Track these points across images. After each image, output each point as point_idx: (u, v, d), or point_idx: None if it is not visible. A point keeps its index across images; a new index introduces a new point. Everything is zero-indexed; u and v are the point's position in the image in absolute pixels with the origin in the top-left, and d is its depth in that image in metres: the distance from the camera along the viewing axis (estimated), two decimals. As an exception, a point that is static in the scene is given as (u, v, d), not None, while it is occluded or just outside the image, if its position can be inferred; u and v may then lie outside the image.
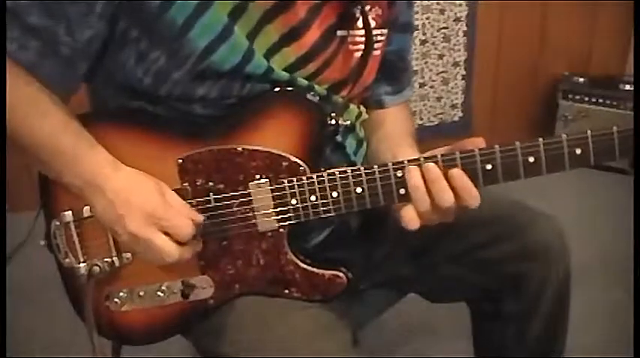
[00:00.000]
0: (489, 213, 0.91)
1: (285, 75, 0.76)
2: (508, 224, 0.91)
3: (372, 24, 0.83)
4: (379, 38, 0.85)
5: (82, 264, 0.78)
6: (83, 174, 0.71)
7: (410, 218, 0.73)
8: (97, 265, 0.78)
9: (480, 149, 0.72)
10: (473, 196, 0.71)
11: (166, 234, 0.72)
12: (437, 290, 0.99)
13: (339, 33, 0.79)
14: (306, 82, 0.78)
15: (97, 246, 0.78)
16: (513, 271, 0.90)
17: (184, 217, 0.72)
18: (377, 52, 0.86)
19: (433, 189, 0.71)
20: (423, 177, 0.72)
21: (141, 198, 0.71)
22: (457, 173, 0.71)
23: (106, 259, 0.78)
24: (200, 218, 0.75)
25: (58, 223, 0.78)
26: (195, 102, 0.75)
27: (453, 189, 0.71)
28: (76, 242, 0.78)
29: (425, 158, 0.73)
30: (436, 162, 0.72)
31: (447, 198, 0.71)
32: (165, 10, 0.69)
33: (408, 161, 0.73)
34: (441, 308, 1.06)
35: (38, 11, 0.67)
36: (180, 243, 0.72)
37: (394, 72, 0.96)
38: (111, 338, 0.89)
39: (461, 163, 0.72)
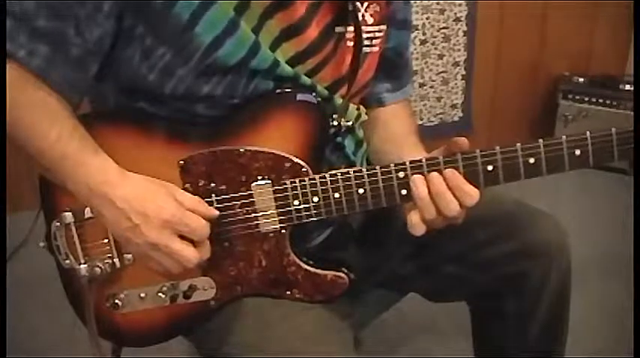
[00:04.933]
0: (490, 213, 0.91)
1: (290, 70, 0.76)
2: (509, 223, 0.91)
3: (371, 20, 0.83)
4: (377, 35, 0.85)
5: (82, 266, 0.78)
6: (88, 183, 0.71)
7: (415, 223, 0.74)
8: (97, 266, 0.78)
9: (480, 150, 0.72)
10: (471, 197, 0.72)
11: (182, 237, 0.72)
12: (437, 289, 0.99)
13: (338, 29, 0.79)
14: (309, 81, 0.78)
15: (98, 246, 0.78)
16: (514, 270, 0.90)
17: (200, 218, 0.72)
18: (375, 49, 0.86)
19: (438, 201, 0.72)
20: (428, 186, 0.72)
21: (155, 206, 0.71)
22: (452, 175, 0.72)
23: (106, 260, 0.78)
24: (215, 212, 0.74)
25: (58, 224, 0.78)
26: (200, 101, 0.75)
27: (449, 188, 0.72)
28: (77, 243, 0.78)
29: (426, 160, 0.73)
30: (438, 164, 0.72)
31: (453, 208, 0.72)
32: (170, 6, 0.69)
33: (410, 163, 0.73)
34: (442, 307, 1.06)
35: (46, 14, 0.67)
36: (195, 245, 0.73)
37: (393, 69, 0.96)
38: (111, 340, 0.89)
39: (462, 164, 0.72)
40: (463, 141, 0.73)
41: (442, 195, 0.72)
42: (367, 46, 0.83)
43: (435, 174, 0.72)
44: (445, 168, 0.72)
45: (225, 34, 0.71)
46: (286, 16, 0.74)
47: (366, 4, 0.82)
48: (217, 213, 0.75)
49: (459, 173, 0.72)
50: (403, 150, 0.87)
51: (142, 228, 0.70)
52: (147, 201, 0.71)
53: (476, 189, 0.72)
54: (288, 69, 0.76)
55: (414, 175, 0.73)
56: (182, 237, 0.72)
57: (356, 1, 0.80)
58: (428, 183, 0.72)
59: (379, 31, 0.86)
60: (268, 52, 0.74)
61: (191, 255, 0.72)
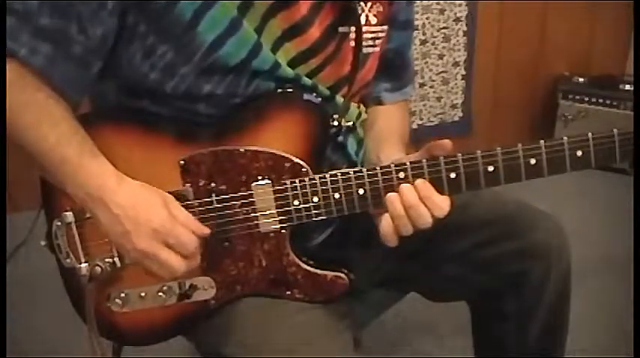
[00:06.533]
0: (490, 213, 0.92)
1: (291, 72, 0.76)
2: (509, 223, 0.91)
3: (374, 20, 0.83)
4: (380, 35, 0.85)
5: (83, 265, 0.78)
6: (86, 186, 0.71)
7: (388, 236, 0.75)
8: (98, 265, 0.78)
9: (481, 151, 0.72)
10: (440, 208, 0.72)
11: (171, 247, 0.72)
12: (438, 289, 0.99)
13: (341, 29, 0.79)
14: (310, 82, 0.78)
15: (99, 246, 0.78)
16: (514, 270, 0.90)
17: (189, 233, 0.72)
18: (377, 49, 0.86)
19: (410, 213, 0.73)
20: (402, 200, 0.73)
21: (147, 214, 0.71)
22: (422, 185, 0.72)
23: (107, 259, 0.78)
24: (205, 230, 0.75)
25: (59, 223, 0.78)
26: (201, 100, 0.75)
27: (420, 199, 0.72)
28: (78, 242, 0.78)
29: (427, 161, 0.73)
30: (438, 165, 0.72)
31: (426, 221, 0.73)
32: (173, 5, 0.69)
33: (411, 163, 0.73)
34: (441, 307, 1.06)
35: (49, 12, 0.67)
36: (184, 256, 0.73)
37: (394, 69, 0.96)
38: (112, 339, 0.89)
39: (463, 165, 0.72)
40: (447, 143, 0.73)
41: (415, 208, 0.72)
42: (370, 46, 0.83)
43: (406, 186, 0.73)
44: (446, 168, 0.72)
45: (227, 34, 0.71)
46: (289, 16, 0.74)
47: (369, 4, 0.82)
48: (208, 231, 0.75)
49: (460, 173, 0.72)
50: (382, 149, 0.88)
51: (133, 235, 0.71)
52: (140, 208, 0.71)
53: (446, 200, 0.73)
54: (289, 70, 0.76)
55: (389, 193, 0.73)
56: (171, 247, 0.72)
57: (359, 1, 0.80)
58: (400, 196, 0.73)
59: (382, 31, 0.86)
60: (270, 53, 0.74)
61: (177, 265, 0.72)
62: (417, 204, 0.72)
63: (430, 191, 0.72)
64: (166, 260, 0.72)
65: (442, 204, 0.72)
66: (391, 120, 0.95)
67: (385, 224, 0.75)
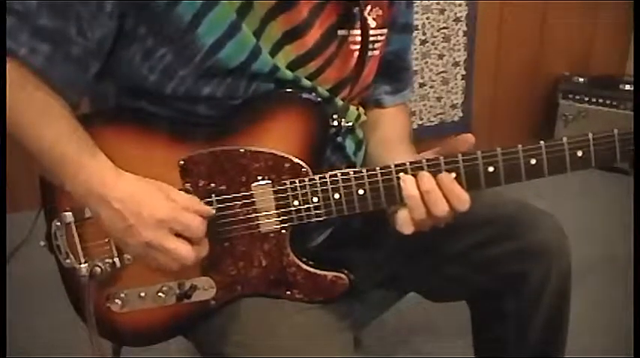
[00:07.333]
0: (490, 213, 0.91)
1: (290, 74, 0.76)
2: (509, 223, 0.91)
3: (373, 24, 0.83)
4: (379, 38, 0.86)
5: (83, 265, 0.78)
6: (85, 184, 0.71)
7: (404, 222, 0.74)
8: (98, 266, 0.78)
9: (482, 151, 0.72)
10: (461, 200, 0.72)
11: (178, 235, 0.72)
12: (438, 289, 0.99)
13: (340, 32, 0.80)
14: (309, 83, 0.78)
15: (98, 246, 0.78)
16: (514, 270, 0.90)
17: (195, 215, 0.72)
18: (376, 52, 0.86)
19: (428, 199, 0.72)
20: (418, 185, 0.72)
21: (149, 205, 0.71)
22: (446, 177, 0.72)
23: (107, 260, 0.78)
24: (210, 210, 0.74)
25: (59, 223, 0.78)
26: (201, 102, 0.75)
27: (441, 190, 0.72)
28: (77, 242, 0.78)
29: (427, 161, 0.73)
30: (439, 165, 0.72)
31: (442, 208, 0.72)
32: (172, 7, 0.69)
33: (411, 163, 0.73)
34: (441, 307, 1.06)
35: (48, 12, 0.67)
36: (192, 243, 0.73)
37: (394, 72, 0.96)
38: (111, 339, 0.89)
39: (463, 165, 0.72)
40: (469, 137, 0.72)
41: (431, 193, 0.72)
42: (370, 49, 0.83)
43: (424, 172, 0.72)
44: (446, 169, 0.72)
45: (227, 37, 0.71)
46: (289, 19, 0.74)
47: (369, 7, 0.82)
48: (213, 211, 0.75)
49: (460, 174, 0.72)
50: (393, 155, 0.88)
51: (137, 228, 0.71)
52: (141, 201, 0.71)
53: (466, 194, 0.72)
54: (288, 73, 0.76)
55: (404, 174, 0.73)
56: (178, 236, 0.72)
57: (361, 2, 0.79)
58: (417, 181, 0.73)
59: (381, 35, 0.86)
60: (268, 56, 0.74)
61: (186, 253, 0.72)
62: (435, 189, 0.72)
63: (453, 183, 0.72)
64: (175, 249, 0.71)
65: (463, 196, 0.72)
66: (397, 124, 0.96)
67: (402, 210, 0.74)
